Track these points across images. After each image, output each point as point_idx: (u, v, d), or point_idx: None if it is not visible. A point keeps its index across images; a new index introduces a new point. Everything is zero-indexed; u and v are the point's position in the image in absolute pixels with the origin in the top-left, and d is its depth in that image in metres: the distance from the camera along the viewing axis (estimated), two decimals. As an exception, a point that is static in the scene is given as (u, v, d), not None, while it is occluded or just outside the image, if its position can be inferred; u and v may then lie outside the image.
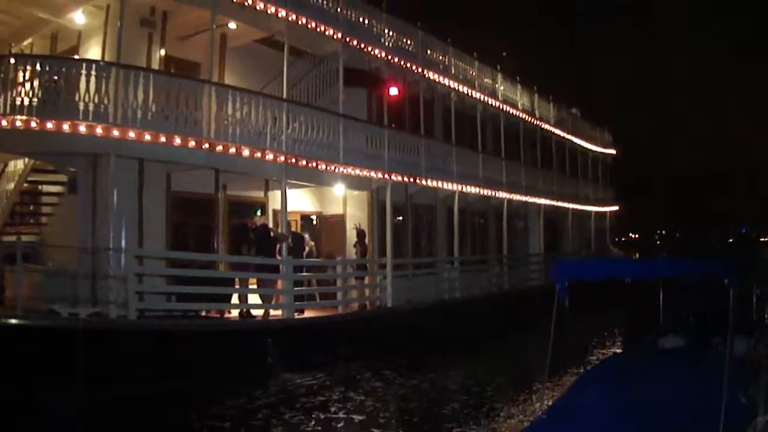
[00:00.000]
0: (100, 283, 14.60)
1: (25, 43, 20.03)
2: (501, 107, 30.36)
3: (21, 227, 18.68)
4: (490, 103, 29.41)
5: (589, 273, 10.11)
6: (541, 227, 33.79)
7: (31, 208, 19.75)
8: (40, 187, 19.33)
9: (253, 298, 18.00)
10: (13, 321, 12.84)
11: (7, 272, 15.44)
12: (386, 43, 22.93)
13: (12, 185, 18.47)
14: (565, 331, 9.16)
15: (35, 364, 12.19)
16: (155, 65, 18.54)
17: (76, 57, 18.22)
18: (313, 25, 19.66)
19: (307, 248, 20.29)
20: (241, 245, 17.88)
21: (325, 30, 20.09)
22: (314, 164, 18.80)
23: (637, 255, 55.30)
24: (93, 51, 18.48)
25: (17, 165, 18.45)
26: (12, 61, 15.28)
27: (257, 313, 17.53)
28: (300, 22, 19.20)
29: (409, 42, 24.34)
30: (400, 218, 24.22)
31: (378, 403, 14.24)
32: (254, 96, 17.93)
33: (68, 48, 19.38)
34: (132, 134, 14.98)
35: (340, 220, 23.25)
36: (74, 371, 12.24)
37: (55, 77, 14.98)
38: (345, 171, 19.89)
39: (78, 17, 18.17)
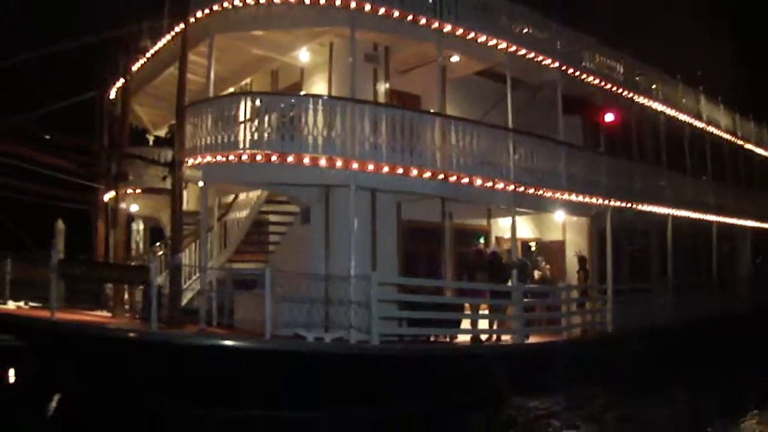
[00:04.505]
0: (334, 308, 15.11)
1: (244, 82, 21.26)
2: (705, 128, 29.72)
3: (247, 255, 19.69)
4: (695, 124, 28.86)
5: None
6: (748, 249, 32.86)
7: (259, 237, 20.69)
8: (268, 216, 20.25)
9: (482, 324, 18.21)
10: (268, 346, 13.68)
11: (236, 296, 16.32)
12: (599, 70, 23.05)
13: (243, 214, 19.44)
14: None
15: (297, 387, 13.07)
16: (380, 99, 19.15)
17: (309, 93, 19.03)
18: (532, 55, 20.03)
19: (539, 273, 20.71)
20: (476, 272, 18.22)
21: (543, 60, 20.43)
22: (540, 192, 19.08)
23: None
24: (317, 86, 19.37)
25: (248, 195, 19.52)
26: (248, 98, 16.39)
27: (485, 337, 17.90)
28: (519, 53, 19.59)
29: (620, 68, 24.38)
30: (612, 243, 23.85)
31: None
32: (480, 126, 18.38)
33: (290, 84, 20.39)
34: (370, 166, 15.64)
35: (560, 246, 23.40)
36: (344, 394, 13.31)
37: (291, 113, 15.76)
38: (567, 198, 20.04)
39: (302, 55, 19.03)
